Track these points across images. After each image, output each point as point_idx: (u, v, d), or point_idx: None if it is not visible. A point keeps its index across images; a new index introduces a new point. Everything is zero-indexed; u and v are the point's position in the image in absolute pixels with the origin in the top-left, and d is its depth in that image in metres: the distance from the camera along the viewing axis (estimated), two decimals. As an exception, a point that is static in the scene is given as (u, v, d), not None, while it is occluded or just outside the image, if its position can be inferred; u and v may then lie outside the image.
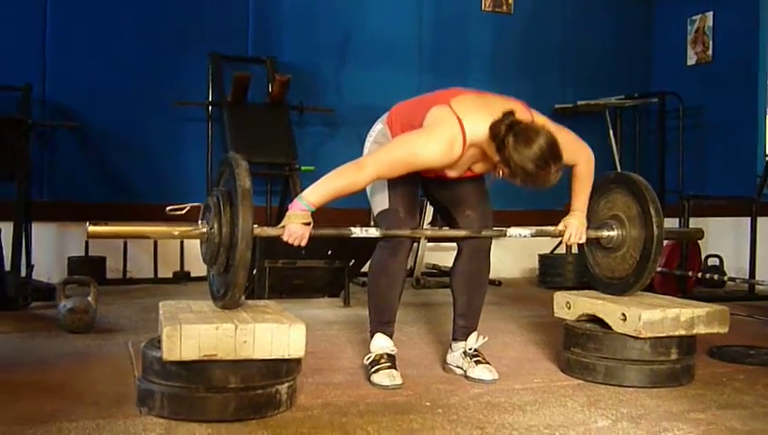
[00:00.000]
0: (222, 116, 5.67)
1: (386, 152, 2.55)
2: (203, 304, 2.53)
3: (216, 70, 5.81)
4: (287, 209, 2.51)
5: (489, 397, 2.53)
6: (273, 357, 2.20)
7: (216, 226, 2.35)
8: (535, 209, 6.19)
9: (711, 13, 6.79)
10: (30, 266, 4.72)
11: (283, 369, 2.26)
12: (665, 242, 2.92)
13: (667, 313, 2.66)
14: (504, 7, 6.96)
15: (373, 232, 2.66)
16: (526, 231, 2.88)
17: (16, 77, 5.13)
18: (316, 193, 2.47)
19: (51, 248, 5.45)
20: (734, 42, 6.60)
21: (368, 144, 2.84)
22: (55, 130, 5.54)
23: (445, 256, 5.79)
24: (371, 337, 2.81)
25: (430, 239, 5.82)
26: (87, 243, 5.40)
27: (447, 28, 6.74)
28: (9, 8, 5.48)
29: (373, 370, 2.70)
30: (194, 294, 4.86)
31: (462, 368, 2.83)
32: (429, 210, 5.43)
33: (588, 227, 2.91)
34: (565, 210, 2.91)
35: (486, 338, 2.90)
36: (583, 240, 2.89)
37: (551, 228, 2.92)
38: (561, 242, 3.14)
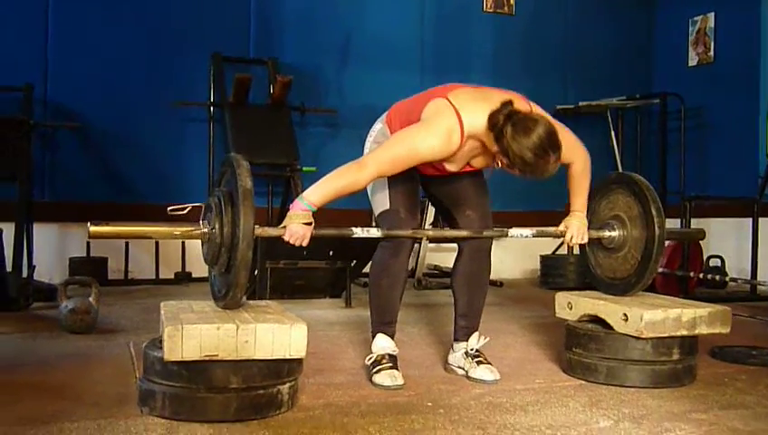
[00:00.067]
0: (223, 117, 5.67)
1: (386, 150, 2.55)
2: (204, 305, 2.53)
3: (217, 71, 5.81)
4: (288, 210, 2.51)
5: (491, 397, 2.53)
6: (274, 357, 2.20)
7: (217, 226, 2.34)
8: (536, 210, 6.21)
9: (712, 13, 6.79)
10: (31, 267, 4.72)
11: (284, 369, 2.26)
12: (666, 243, 2.92)
13: (669, 313, 2.65)
14: (506, 8, 6.96)
15: (374, 232, 2.66)
16: (527, 232, 2.88)
17: (18, 77, 5.12)
18: (317, 193, 2.47)
19: (52, 249, 5.45)
20: (735, 42, 6.59)
21: (368, 144, 2.84)
22: (57, 130, 5.54)
23: (446, 257, 5.79)
24: (373, 338, 2.81)
25: (432, 240, 5.82)
26: (88, 243, 5.40)
27: (449, 29, 6.74)
28: (11, 9, 5.48)
29: (375, 370, 2.69)
30: (195, 295, 4.86)
31: (463, 368, 2.83)
32: (431, 211, 5.43)
33: (589, 228, 2.91)
34: (565, 211, 2.91)
35: (488, 338, 2.90)
36: (585, 240, 2.89)
37: (552, 229, 2.92)
38: (562, 243, 3.15)
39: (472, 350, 2.83)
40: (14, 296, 4.19)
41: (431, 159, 2.56)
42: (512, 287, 5.95)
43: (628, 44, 7.40)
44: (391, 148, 2.55)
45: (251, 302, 2.66)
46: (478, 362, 2.79)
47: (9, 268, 4.32)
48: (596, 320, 2.82)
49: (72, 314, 3.53)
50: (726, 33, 6.69)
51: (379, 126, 2.84)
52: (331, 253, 4.61)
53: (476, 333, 2.87)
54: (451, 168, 2.68)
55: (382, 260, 2.77)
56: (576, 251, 5.26)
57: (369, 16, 6.47)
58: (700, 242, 5.48)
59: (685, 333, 2.69)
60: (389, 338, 2.79)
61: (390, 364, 2.71)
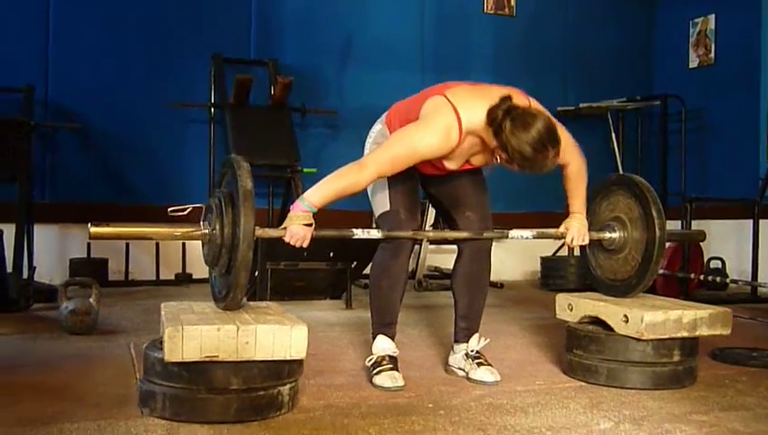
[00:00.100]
0: (224, 118, 5.67)
1: (385, 150, 2.55)
2: (205, 306, 2.53)
3: (218, 72, 5.82)
4: (289, 211, 2.51)
5: (491, 399, 2.53)
6: (274, 358, 2.20)
7: (217, 227, 2.35)
8: (537, 211, 6.21)
9: (713, 15, 6.79)
10: (32, 268, 4.72)
11: (284, 370, 2.26)
12: (667, 244, 2.92)
13: (670, 314, 2.65)
14: (506, 9, 6.96)
15: (375, 233, 2.66)
16: (528, 233, 2.88)
17: (19, 78, 5.13)
18: (318, 194, 2.47)
19: (52, 250, 5.45)
20: (736, 44, 6.59)
21: (368, 145, 2.84)
22: (57, 131, 5.54)
23: (447, 259, 5.78)
24: (373, 339, 2.81)
25: (432, 241, 5.82)
26: (89, 244, 5.40)
27: (449, 30, 6.74)
28: (12, 10, 5.49)
29: (375, 371, 2.69)
30: (196, 296, 4.86)
31: (464, 370, 2.83)
32: (431, 212, 5.43)
33: (589, 229, 2.91)
34: (565, 213, 2.91)
35: (488, 340, 2.90)
36: (586, 242, 2.89)
37: (552, 231, 2.92)
38: (563, 244, 3.15)
39: (472, 351, 2.83)
40: (14, 297, 4.19)
41: (431, 156, 2.56)
42: (512, 289, 5.95)
43: (629, 46, 7.40)
44: (390, 147, 2.54)
45: (251, 303, 2.66)
46: (479, 364, 2.79)
47: (9, 269, 4.32)
48: (596, 321, 2.82)
49: (72, 314, 3.53)
50: (727, 35, 6.69)
51: (378, 127, 2.84)
52: (331, 254, 4.61)
53: (477, 335, 2.87)
54: (450, 165, 2.68)
55: (382, 261, 2.77)
56: (577, 253, 5.25)
57: (369, 17, 6.47)
58: (701, 244, 5.48)
59: (685, 334, 2.69)
60: (390, 339, 2.79)
61: (391, 366, 2.71)
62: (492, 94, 2.52)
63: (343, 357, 3.17)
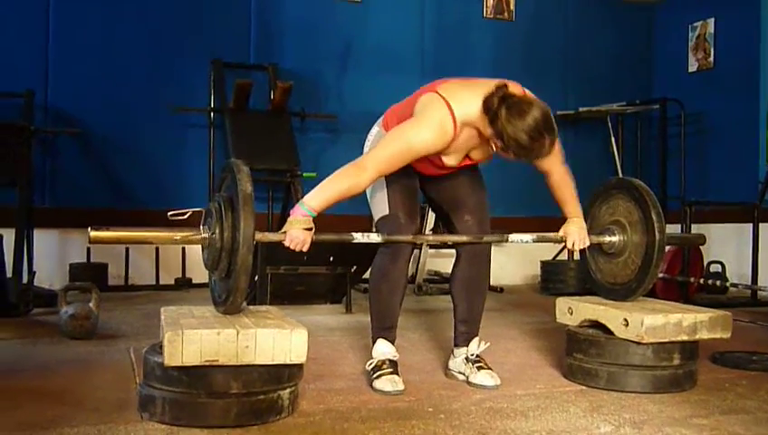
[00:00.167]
0: (224, 123, 5.68)
1: (382, 149, 2.55)
2: (205, 310, 2.53)
3: (217, 77, 5.83)
4: (289, 216, 2.51)
5: (491, 403, 2.53)
6: (274, 362, 2.20)
7: (217, 231, 2.34)
8: (537, 216, 6.18)
9: (712, 19, 6.80)
10: (31, 273, 4.72)
11: (284, 374, 2.25)
12: (667, 248, 2.92)
13: (670, 318, 2.65)
14: (506, 14, 6.98)
15: (375, 237, 2.65)
16: (527, 237, 2.87)
17: (19, 83, 5.13)
18: (317, 198, 2.47)
19: (52, 255, 5.45)
20: (735, 48, 6.60)
21: (366, 148, 2.84)
22: (57, 136, 5.55)
23: (446, 263, 5.76)
24: (373, 343, 2.81)
25: (432, 245, 5.82)
26: (89, 249, 5.40)
27: (449, 35, 6.75)
28: (11, 14, 5.50)
29: (375, 375, 2.69)
30: (195, 301, 4.82)
31: (464, 374, 2.83)
32: (431, 217, 5.43)
33: (589, 233, 2.90)
34: (563, 218, 2.91)
35: (488, 343, 2.90)
36: (587, 244, 2.88)
37: (552, 235, 2.92)
38: (563, 248, 3.15)
39: (472, 355, 2.83)
40: (14, 302, 4.19)
41: (427, 152, 2.55)
42: (512, 293, 5.95)
43: (628, 50, 7.41)
44: (387, 146, 2.54)
45: (251, 307, 2.66)
46: (479, 368, 2.78)
47: (9, 274, 4.32)
48: (597, 325, 2.82)
49: (72, 319, 3.53)
50: (726, 39, 6.70)
51: (375, 130, 2.85)
52: (331, 259, 4.61)
53: (477, 339, 2.87)
54: (450, 161, 2.67)
55: (382, 266, 2.77)
56: (576, 257, 5.26)
57: (369, 22, 6.48)
58: (700, 247, 5.48)
59: (685, 338, 2.69)
60: (390, 343, 2.79)
61: (391, 370, 2.70)
62: (484, 86, 2.51)
63: (343, 361, 3.17)
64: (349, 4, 6.43)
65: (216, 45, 5.92)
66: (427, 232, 5.44)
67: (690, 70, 7.02)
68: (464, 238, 2.80)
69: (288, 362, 2.22)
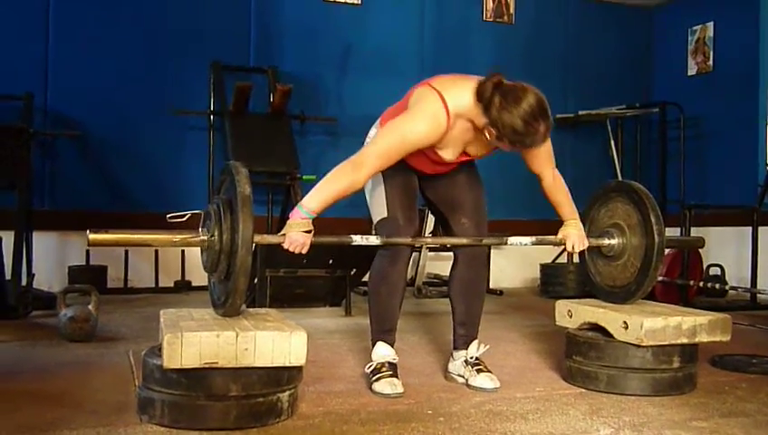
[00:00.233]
0: (223, 125, 5.68)
1: (377, 144, 2.55)
2: (204, 312, 2.53)
3: (217, 79, 5.83)
4: (288, 218, 2.51)
5: (491, 405, 2.53)
6: (274, 365, 2.20)
7: (216, 233, 2.34)
8: (537, 219, 6.18)
9: (711, 23, 6.81)
10: (31, 275, 4.72)
11: (284, 377, 2.25)
12: (666, 251, 2.92)
13: (669, 321, 2.65)
14: (505, 17, 6.98)
15: (374, 240, 2.65)
16: (527, 239, 2.88)
17: (18, 86, 5.13)
18: (315, 199, 2.46)
19: (52, 257, 5.45)
20: (734, 52, 6.61)
21: None
22: (57, 138, 5.55)
23: (446, 266, 5.74)
24: (373, 346, 2.81)
25: (432, 248, 5.82)
26: (88, 252, 5.41)
27: (449, 38, 6.76)
28: (11, 17, 5.50)
29: (374, 378, 2.69)
30: (195, 304, 4.85)
31: (463, 376, 2.82)
32: (431, 219, 5.44)
33: (588, 236, 2.91)
34: (560, 221, 2.91)
35: (488, 346, 2.90)
36: (586, 245, 2.88)
37: (551, 237, 2.92)
38: (562, 251, 3.15)
39: (472, 358, 2.83)
40: (13, 304, 4.19)
41: (422, 144, 2.54)
42: (512, 296, 5.94)
43: (628, 54, 7.42)
44: (382, 141, 2.54)
45: (250, 310, 2.66)
46: (478, 371, 2.78)
47: (8, 276, 4.32)
48: (596, 328, 2.82)
49: (71, 322, 3.53)
50: (725, 43, 6.71)
51: (373, 132, 2.84)
52: (330, 261, 4.61)
53: (476, 341, 2.87)
54: (446, 155, 2.66)
55: (381, 268, 2.77)
56: (576, 259, 5.26)
57: (368, 25, 6.49)
58: (700, 250, 5.48)
59: (685, 341, 2.69)
60: (389, 346, 2.79)
61: (390, 372, 2.70)
62: (477, 80, 2.52)
63: (343, 364, 3.16)
64: (348, 7, 6.43)
65: (216, 48, 5.92)
66: (426, 235, 5.44)
67: (689, 73, 7.03)
68: (463, 241, 2.80)
69: (287, 364, 2.22)
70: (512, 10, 6.99)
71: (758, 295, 5.36)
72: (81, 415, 2.29)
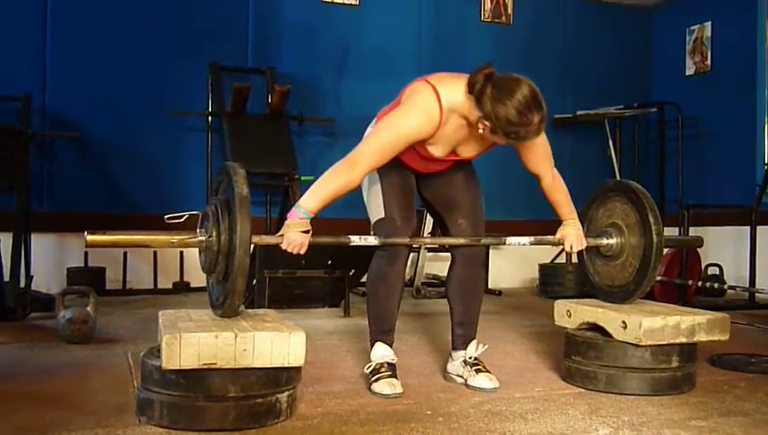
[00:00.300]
0: (221, 126, 5.67)
1: (371, 142, 2.55)
2: (202, 313, 2.53)
3: (215, 80, 5.82)
4: (286, 219, 2.51)
5: (490, 405, 2.53)
6: (272, 365, 2.20)
7: (214, 233, 2.35)
8: (535, 219, 6.19)
9: (709, 23, 6.81)
10: (29, 277, 4.72)
11: (282, 377, 2.25)
12: (665, 251, 2.92)
13: (668, 320, 2.65)
14: (504, 18, 6.98)
15: (372, 240, 2.65)
16: (525, 239, 2.88)
17: (16, 87, 5.13)
18: (312, 199, 2.46)
19: (50, 259, 5.44)
20: (732, 51, 6.61)
21: None
22: (55, 140, 5.54)
23: (445, 266, 5.75)
24: (371, 346, 2.81)
25: (430, 248, 5.82)
26: (86, 253, 5.40)
27: (447, 38, 6.76)
28: (9, 18, 5.49)
29: (374, 379, 2.69)
30: (193, 305, 4.83)
31: (462, 377, 2.82)
32: (429, 220, 5.44)
33: (586, 235, 2.91)
34: (559, 221, 2.91)
35: (486, 346, 2.90)
36: (584, 245, 2.88)
37: (549, 237, 2.92)
38: (561, 251, 3.15)
39: (470, 358, 2.83)
40: (11, 306, 4.18)
41: (416, 139, 2.54)
42: (511, 296, 5.94)
43: (626, 54, 7.42)
44: (376, 138, 2.55)
45: (249, 310, 2.66)
46: (477, 371, 2.78)
47: (7, 278, 4.32)
48: (595, 328, 2.82)
49: (69, 323, 3.52)
50: (723, 43, 6.71)
51: (370, 130, 2.84)
52: (329, 262, 4.62)
53: (474, 342, 2.87)
54: (435, 151, 2.65)
55: (379, 269, 2.77)
56: (575, 259, 5.26)
57: (366, 26, 6.49)
58: (698, 250, 5.48)
59: (684, 340, 2.69)
60: (388, 347, 2.79)
61: (389, 373, 2.70)
62: None
63: (342, 365, 3.16)
64: (346, 8, 6.43)
65: (214, 49, 5.92)
66: (425, 235, 5.44)
67: (687, 73, 7.04)
68: (461, 241, 2.80)
69: (286, 365, 2.21)
70: (510, 10, 6.99)
71: (756, 295, 5.37)
72: (80, 416, 2.29)
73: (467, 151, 2.71)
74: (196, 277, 5.42)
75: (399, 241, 2.69)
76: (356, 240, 2.61)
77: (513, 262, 6.56)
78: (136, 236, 2.39)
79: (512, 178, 5.92)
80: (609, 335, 2.73)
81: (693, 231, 5.40)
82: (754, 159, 6.38)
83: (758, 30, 6.41)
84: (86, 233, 2.27)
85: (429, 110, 2.50)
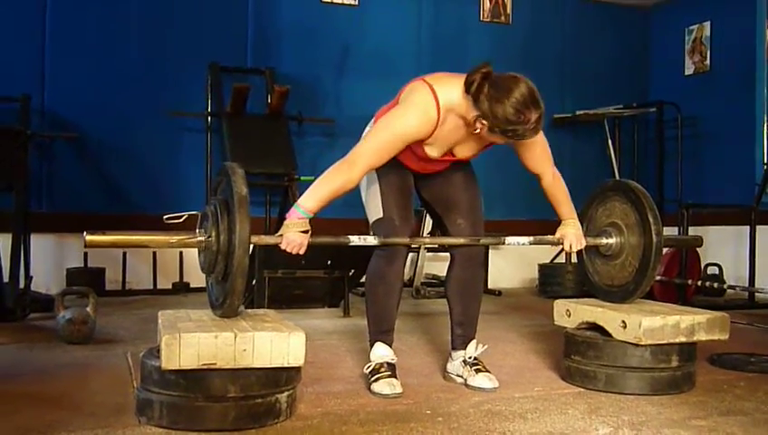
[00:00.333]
0: (221, 127, 5.67)
1: (369, 141, 2.55)
2: (202, 314, 2.53)
3: (215, 81, 5.82)
4: (286, 219, 2.51)
5: (490, 405, 2.53)
6: (272, 365, 2.20)
7: (213, 233, 2.34)
8: (535, 219, 6.19)
9: (708, 23, 6.81)
10: (28, 278, 4.71)
11: (282, 378, 2.25)
12: (664, 250, 2.92)
13: (668, 320, 2.65)
14: (503, 18, 6.98)
15: (371, 240, 2.65)
16: (524, 239, 2.88)
17: (15, 88, 5.12)
18: (311, 199, 2.46)
19: (49, 259, 5.44)
20: (731, 51, 6.62)
21: None
22: (54, 140, 5.54)
23: (444, 266, 5.77)
24: (371, 346, 2.81)
25: (430, 248, 5.82)
26: (86, 254, 5.40)
27: (446, 38, 6.76)
28: (8, 19, 5.49)
29: (373, 379, 2.69)
30: (193, 305, 4.83)
31: (462, 376, 2.82)
32: (429, 221, 5.44)
33: (585, 235, 2.91)
34: (558, 220, 2.91)
35: (486, 346, 2.89)
36: (583, 244, 2.88)
37: (549, 237, 2.92)
38: (560, 251, 3.15)
39: (470, 358, 2.83)
40: (10, 307, 4.18)
41: (414, 138, 2.54)
42: (510, 296, 5.94)
43: (625, 53, 7.42)
44: (374, 137, 2.55)
45: (249, 311, 2.66)
46: (477, 370, 2.78)
47: (6, 279, 4.31)
48: (594, 327, 2.82)
49: (69, 324, 3.52)
50: (722, 42, 6.71)
51: (368, 130, 2.84)
52: (329, 262, 4.61)
53: (474, 341, 2.87)
54: (431, 152, 2.65)
55: (377, 268, 2.77)
56: (574, 259, 5.27)
57: (366, 26, 6.49)
58: (698, 250, 5.49)
59: (683, 339, 2.69)
60: (387, 346, 2.79)
61: (389, 373, 2.70)
62: None
63: (341, 365, 3.16)
64: (345, 8, 6.43)
65: (214, 49, 5.92)
66: (425, 235, 5.44)
67: (687, 73, 7.04)
68: (461, 240, 2.80)
69: (286, 364, 2.21)
70: (509, 10, 6.99)
71: (756, 294, 5.37)
72: (79, 417, 2.29)
73: (464, 152, 2.71)
74: (196, 278, 5.42)
75: (399, 241, 2.69)
76: (355, 240, 2.61)
77: (513, 262, 6.56)
78: (135, 237, 2.39)
79: (511, 178, 5.93)
80: (609, 335, 2.73)
81: (692, 231, 5.40)
82: (754, 158, 6.39)
83: (757, 30, 6.41)
84: (85, 233, 2.27)
85: (427, 109, 2.50)
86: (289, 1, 6.27)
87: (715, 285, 5.43)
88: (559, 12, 7.22)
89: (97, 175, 5.74)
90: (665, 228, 2.87)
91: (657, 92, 7.18)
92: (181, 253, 5.66)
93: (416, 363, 3.18)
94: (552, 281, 5.97)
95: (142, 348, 2.51)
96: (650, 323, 2.62)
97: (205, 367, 2.13)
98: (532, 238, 2.89)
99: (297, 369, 2.29)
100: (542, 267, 6.12)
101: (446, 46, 6.72)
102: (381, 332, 2.79)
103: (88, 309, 3.62)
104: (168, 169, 5.89)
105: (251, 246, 2.32)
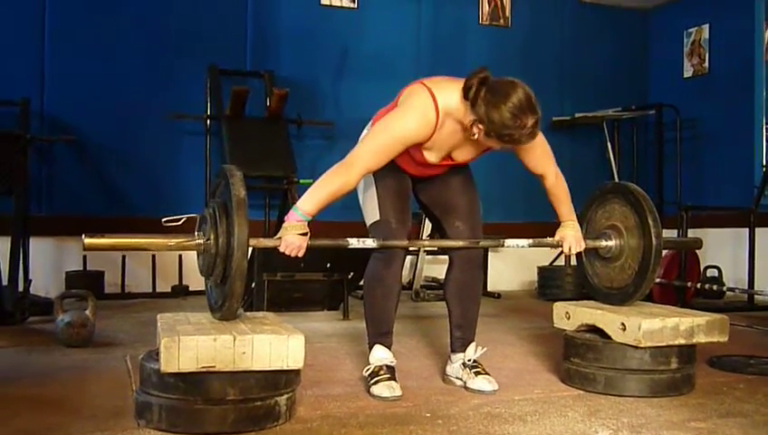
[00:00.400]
0: (220, 130, 5.67)
1: (367, 144, 2.55)
2: (201, 317, 2.53)
3: (214, 83, 5.82)
4: (284, 222, 2.51)
5: (489, 408, 2.52)
6: (271, 368, 2.20)
7: (212, 236, 2.35)
8: (533, 221, 6.20)
9: (707, 25, 6.81)
10: (27, 281, 4.71)
11: (281, 380, 2.25)
12: (663, 253, 2.92)
13: (667, 322, 2.65)
14: (502, 21, 6.99)
15: (370, 243, 2.65)
16: (524, 242, 2.88)
17: (14, 91, 5.13)
18: (310, 201, 2.46)
19: (48, 263, 5.44)
20: (730, 53, 6.62)
21: None
22: (53, 144, 5.53)
23: (443, 269, 5.77)
24: (370, 349, 2.81)
25: (429, 251, 5.82)
26: (85, 257, 5.40)
27: (445, 41, 6.76)
28: (7, 22, 5.49)
29: (372, 381, 2.69)
30: (192, 308, 4.80)
31: (461, 379, 2.82)
32: (428, 224, 5.43)
33: (585, 237, 2.91)
34: (557, 222, 2.91)
35: (485, 349, 2.89)
36: (583, 247, 2.88)
37: (548, 239, 2.92)
38: (560, 254, 3.15)
39: (470, 360, 2.82)
40: (10, 310, 4.18)
41: (412, 141, 2.54)
42: (510, 299, 5.94)
43: (624, 56, 7.42)
44: (372, 140, 2.55)
45: (248, 313, 2.66)
46: (476, 373, 2.78)
47: (5, 282, 4.32)
48: (594, 330, 2.82)
49: (68, 327, 3.52)
50: (721, 45, 6.71)
51: (365, 133, 2.84)
52: (328, 265, 4.61)
53: (473, 344, 2.86)
54: (430, 157, 2.65)
55: (375, 271, 2.77)
56: (573, 262, 5.27)
57: (365, 29, 6.49)
58: (697, 252, 5.49)
59: (683, 341, 2.69)
60: (387, 349, 2.79)
61: (388, 375, 2.70)
62: None
63: (340, 367, 3.16)
64: (345, 11, 6.43)
65: (213, 52, 5.91)
66: (423, 238, 5.44)
67: (685, 75, 7.04)
68: (459, 243, 2.80)
69: (285, 367, 2.21)
70: (508, 13, 7.00)
71: (755, 297, 5.36)
72: (78, 420, 2.29)
73: (462, 156, 2.71)
74: (195, 281, 5.42)
75: (398, 244, 2.69)
76: (354, 243, 2.61)
77: (512, 264, 6.55)
78: (133, 240, 2.39)
79: (510, 181, 5.95)
80: (609, 337, 2.73)
81: (692, 233, 5.41)
82: (753, 160, 6.38)
83: (756, 32, 6.41)
84: (84, 236, 2.27)
85: (426, 112, 2.50)
86: (288, 4, 6.27)
87: (715, 287, 5.42)
88: (558, 14, 7.22)
89: (96, 178, 5.74)
90: (664, 231, 2.87)
91: (656, 95, 7.18)
92: (180, 256, 5.66)
93: (415, 366, 3.18)
94: (551, 283, 5.96)
95: (141, 351, 2.50)
96: (650, 326, 2.62)
97: (204, 370, 2.13)
98: (531, 241, 2.89)
99: (296, 372, 2.29)
100: (542, 270, 6.12)
101: (444, 49, 6.72)
102: (380, 334, 2.79)
103: (87, 312, 3.61)
104: (167, 172, 5.88)
105: (250, 249, 2.32)
